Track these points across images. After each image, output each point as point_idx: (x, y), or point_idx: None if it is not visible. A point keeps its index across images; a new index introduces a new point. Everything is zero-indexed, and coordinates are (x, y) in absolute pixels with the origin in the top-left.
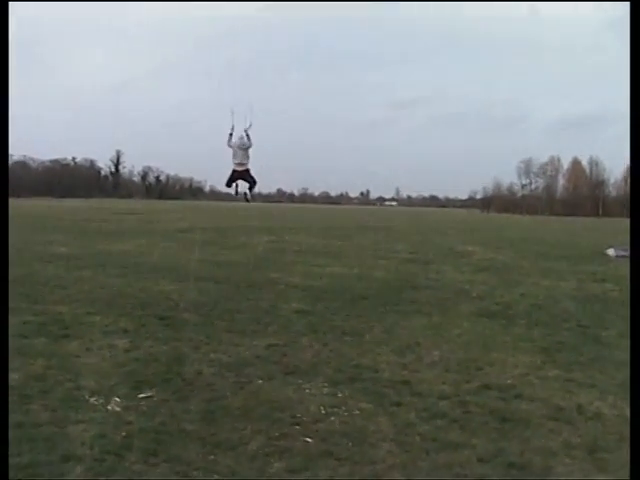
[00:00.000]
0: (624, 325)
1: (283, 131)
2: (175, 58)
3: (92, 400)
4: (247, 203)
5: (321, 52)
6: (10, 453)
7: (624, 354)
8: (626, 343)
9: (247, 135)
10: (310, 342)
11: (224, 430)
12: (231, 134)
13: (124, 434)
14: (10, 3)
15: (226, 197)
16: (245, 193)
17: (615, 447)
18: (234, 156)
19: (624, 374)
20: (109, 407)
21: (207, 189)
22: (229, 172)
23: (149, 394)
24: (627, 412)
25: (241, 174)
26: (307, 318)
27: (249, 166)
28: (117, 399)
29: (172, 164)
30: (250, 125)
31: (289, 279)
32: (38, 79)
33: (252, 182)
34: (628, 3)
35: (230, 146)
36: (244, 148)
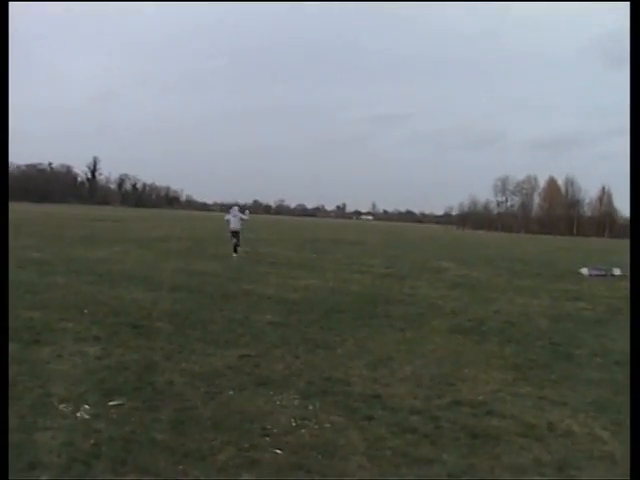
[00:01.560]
0: (596, 343)
1: (261, 142)
2: (154, 68)
3: (61, 407)
4: (222, 214)
5: (302, 66)
6: None
7: (596, 372)
8: (598, 361)
9: (247, 214)
10: (282, 354)
11: (194, 440)
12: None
13: (93, 442)
14: (10, 3)
15: (202, 207)
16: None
17: (585, 465)
18: (232, 223)
19: (595, 392)
20: (78, 414)
21: (183, 198)
22: (206, 182)
23: (119, 402)
24: (597, 430)
25: (235, 234)
26: (280, 330)
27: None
28: (87, 406)
29: (149, 172)
30: (249, 212)
31: (263, 290)
32: (18, 83)
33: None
34: (626, 6)
35: (232, 216)
36: (242, 220)
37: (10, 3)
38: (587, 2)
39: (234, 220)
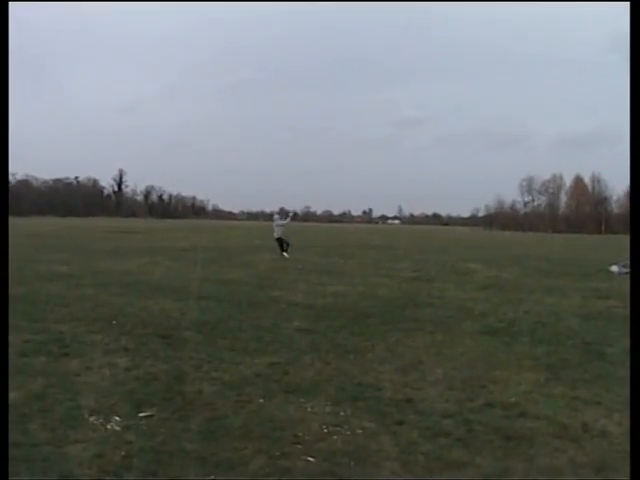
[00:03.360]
0: (628, 342)
1: (286, 150)
2: (180, 78)
3: (92, 419)
4: (249, 222)
5: (326, 71)
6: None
7: (629, 371)
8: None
9: (285, 220)
10: (312, 360)
11: (224, 450)
12: (288, 217)
13: (123, 454)
14: (10, 4)
15: (228, 216)
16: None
17: (622, 465)
18: (276, 231)
19: (629, 391)
20: (109, 426)
21: (210, 208)
22: (231, 191)
23: (149, 413)
24: None
25: (279, 240)
26: (309, 336)
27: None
28: (117, 418)
29: (175, 183)
30: (295, 214)
31: (291, 297)
32: (43, 97)
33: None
34: (628, 4)
35: (280, 224)
36: (281, 226)
37: (17, 17)
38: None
39: (275, 228)
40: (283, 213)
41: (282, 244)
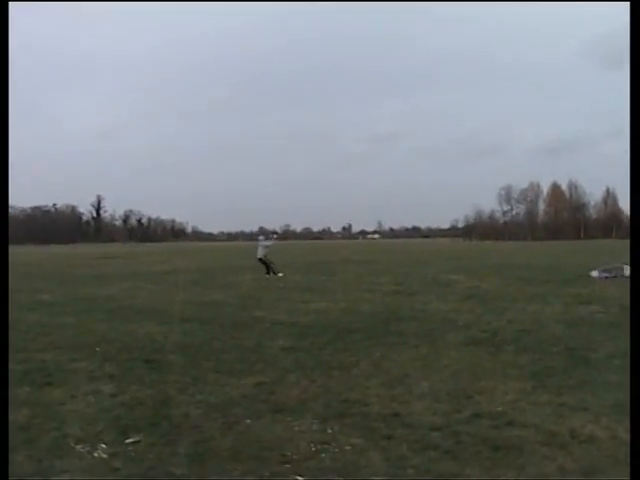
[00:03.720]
0: (612, 346)
1: (263, 170)
2: (156, 102)
3: (78, 448)
4: (228, 243)
5: (302, 87)
6: None
7: (614, 375)
8: (615, 364)
9: (269, 241)
10: (297, 379)
11: (213, 472)
12: (272, 237)
13: None
14: (10, 4)
15: (208, 237)
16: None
17: (611, 469)
18: (259, 252)
19: (615, 395)
20: (95, 454)
21: (189, 230)
22: (210, 212)
23: (136, 439)
24: (621, 434)
25: (262, 261)
26: (294, 354)
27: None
28: (104, 445)
29: (153, 207)
30: (276, 236)
31: (274, 316)
32: (19, 124)
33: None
34: (626, 4)
35: (264, 245)
36: (265, 247)
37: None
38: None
39: (259, 249)
40: (266, 233)
41: (267, 265)
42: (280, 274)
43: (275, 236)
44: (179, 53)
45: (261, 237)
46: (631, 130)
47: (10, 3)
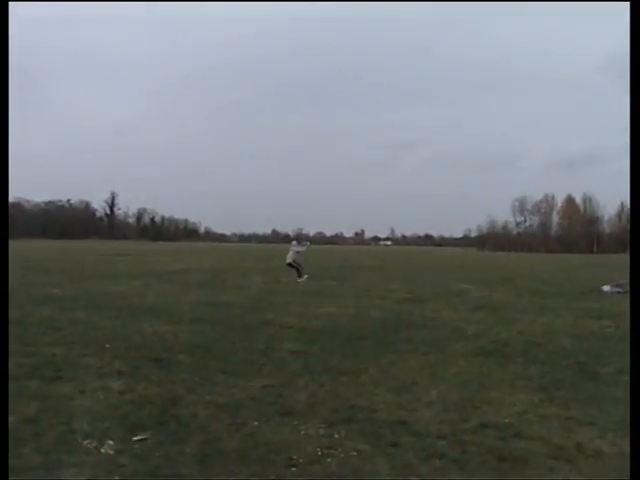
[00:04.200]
0: (621, 361)
1: (278, 172)
2: (173, 102)
3: (85, 443)
4: (241, 244)
5: (319, 93)
6: None
7: (622, 391)
8: (624, 379)
9: (304, 246)
10: (306, 383)
11: (219, 473)
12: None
13: (117, 478)
14: (10, 4)
15: (221, 238)
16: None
17: None
18: (289, 256)
19: (623, 411)
20: (102, 450)
21: (202, 230)
22: (223, 213)
23: (143, 437)
24: (627, 449)
25: (291, 265)
26: (303, 359)
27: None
28: (111, 442)
29: (167, 206)
30: (309, 244)
31: (284, 320)
32: (32, 119)
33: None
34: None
35: (296, 250)
36: (297, 252)
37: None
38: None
39: (290, 253)
40: (299, 239)
41: (297, 269)
42: (303, 278)
43: (309, 243)
44: (199, 53)
45: (294, 242)
46: (631, 130)
47: (32, 3)
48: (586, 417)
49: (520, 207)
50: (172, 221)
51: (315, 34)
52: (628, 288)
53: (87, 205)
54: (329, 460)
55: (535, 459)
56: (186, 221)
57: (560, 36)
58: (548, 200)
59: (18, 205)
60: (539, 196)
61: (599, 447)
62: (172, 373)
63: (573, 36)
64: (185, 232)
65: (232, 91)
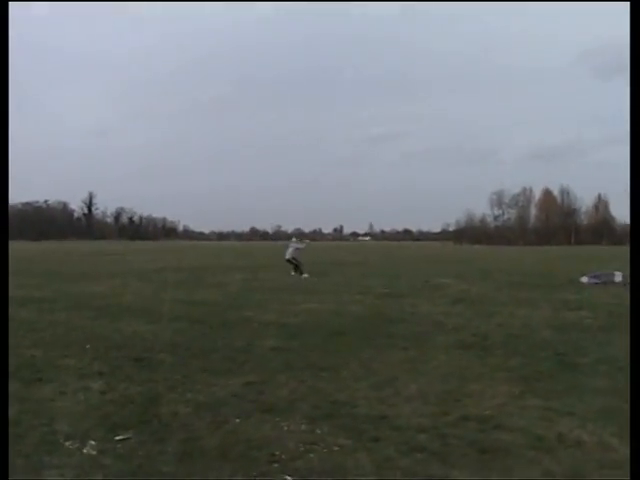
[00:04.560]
0: (600, 351)
1: (256, 170)
2: (150, 101)
3: (67, 444)
4: (219, 242)
5: (294, 88)
6: None
7: (601, 380)
8: (603, 369)
9: (302, 243)
10: (287, 379)
11: (201, 471)
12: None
13: (100, 478)
14: (10, 4)
15: (199, 236)
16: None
17: (596, 473)
18: (288, 252)
19: (602, 400)
20: (85, 451)
21: (180, 229)
22: (202, 211)
23: (125, 436)
24: (606, 438)
25: (290, 262)
26: (283, 355)
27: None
28: (93, 442)
29: (145, 205)
30: (309, 242)
31: (264, 317)
32: (11, 120)
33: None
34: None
35: (295, 247)
36: (297, 249)
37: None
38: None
39: (289, 249)
40: (298, 236)
41: (296, 265)
42: (305, 274)
43: (308, 240)
44: (178, 52)
45: (293, 239)
46: (631, 131)
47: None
48: (566, 407)
49: (498, 200)
50: (150, 220)
51: (294, 28)
52: (606, 279)
53: (65, 206)
54: (311, 456)
55: (516, 450)
56: (164, 220)
57: (537, 29)
58: (526, 193)
59: None
60: (517, 189)
61: (579, 437)
62: (153, 372)
63: (550, 29)
64: (163, 231)
65: (210, 88)
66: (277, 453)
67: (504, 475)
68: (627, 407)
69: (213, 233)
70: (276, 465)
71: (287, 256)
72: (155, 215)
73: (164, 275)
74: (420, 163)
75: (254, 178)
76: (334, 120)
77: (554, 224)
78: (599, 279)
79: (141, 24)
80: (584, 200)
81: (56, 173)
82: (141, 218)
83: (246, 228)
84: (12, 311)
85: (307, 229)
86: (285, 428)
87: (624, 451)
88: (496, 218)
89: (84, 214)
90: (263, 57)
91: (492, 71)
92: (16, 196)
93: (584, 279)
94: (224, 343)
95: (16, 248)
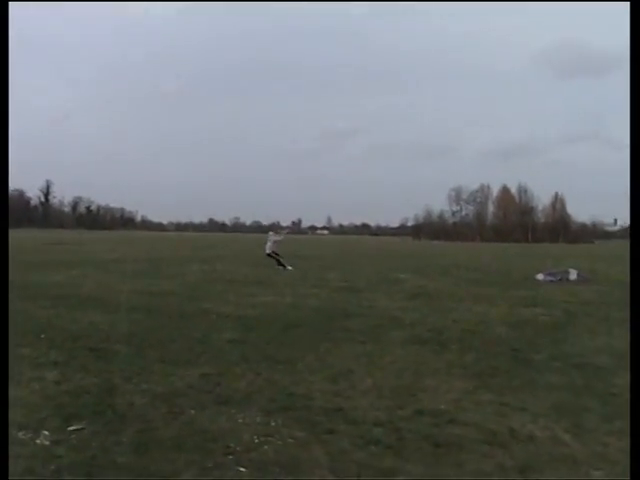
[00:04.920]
0: (555, 348)
1: (215, 161)
2: (109, 89)
3: (20, 435)
4: (177, 233)
5: (253, 78)
6: None
7: (555, 377)
8: (557, 366)
9: (279, 235)
10: (243, 371)
11: (156, 462)
12: (283, 232)
13: (53, 468)
14: (10, 3)
15: (158, 227)
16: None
17: (547, 467)
18: (268, 247)
19: (555, 396)
20: (38, 441)
21: (139, 219)
22: (160, 202)
23: (79, 427)
24: (559, 434)
25: (271, 256)
26: (240, 347)
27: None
28: (46, 433)
29: (103, 194)
30: (285, 232)
31: (221, 309)
32: None
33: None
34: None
35: (274, 240)
36: (275, 242)
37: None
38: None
39: (268, 244)
40: (277, 228)
41: (278, 259)
42: (288, 267)
43: (286, 231)
44: (132, 44)
45: (271, 233)
46: (631, 130)
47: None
48: (519, 403)
49: (456, 197)
50: (108, 210)
51: (246, 18)
52: (561, 277)
53: (21, 194)
54: (266, 447)
55: (469, 445)
56: (122, 210)
57: (496, 28)
58: (484, 190)
59: None
60: (475, 186)
61: (532, 432)
62: (109, 363)
63: (509, 28)
64: (121, 221)
65: (167, 80)
66: (232, 445)
67: (457, 469)
68: (580, 403)
69: (171, 224)
70: (231, 457)
71: (267, 250)
72: (113, 205)
73: (122, 265)
74: (379, 158)
75: (213, 169)
76: (295, 112)
77: (512, 221)
78: (555, 277)
79: (96, 14)
80: (541, 199)
81: (12, 161)
82: (99, 207)
83: (204, 219)
84: None
85: (265, 222)
86: (240, 420)
87: (575, 446)
88: (454, 214)
89: (41, 202)
90: (220, 45)
91: (452, 68)
92: None
93: (540, 276)
94: (182, 334)
95: None
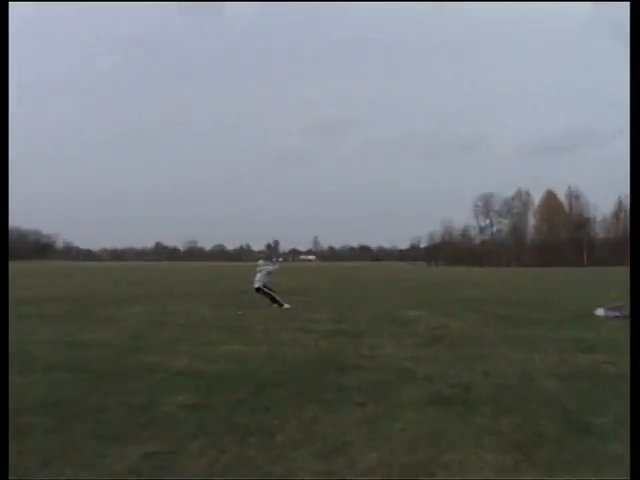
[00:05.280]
0: (623, 408)
1: (164, 167)
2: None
3: None
4: (113, 263)
5: (215, 60)
6: None
7: (623, 447)
8: (625, 432)
9: (274, 265)
10: (202, 447)
11: None
12: (277, 261)
13: None
14: (10, 3)
15: (86, 255)
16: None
17: None
18: (257, 280)
19: (625, 474)
20: None
21: (60, 245)
22: (90, 224)
23: None
24: None
25: (259, 290)
26: (198, 415)
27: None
28: None
29: (12, 214)
30: (282, 259)
31: (172, 363)
32: None
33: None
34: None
35: (267, 271)
36: (268, 273)
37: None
38: None
39: (257, 276)
40: (270, 256)
41: (271, 295)
42: (285, 305)
43: (281, 259)
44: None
45: (260, 262)
46: (631, 130)
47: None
48: None
49: (485, 207)
50: (20, 234)
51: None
52: (628, 312)
53: None
54: None
55: None
56: (38, 233)
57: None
58: (522, 197)
59: None
60: (510, 192)
61: None
62: (20, 441)
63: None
64: (37, 248)
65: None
66: None
67: None
68: None
69: (104, 251)
70: None
71: (256, 284)
72: (25, 227)
73: (39, 307)
74: (381, 158)
75: (160, 179)
76: (270, 102)
77: (560, 238)
78: (620, 312)
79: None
80: (599, 207)
81: None
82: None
83: (149, 244)
84: None
85: (231, 246)
86: None
87: None
88: (482, 230)
89: None
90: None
91: (480, 36)
92: None
93: (600, 312)
94: (119, 400)
95: None
